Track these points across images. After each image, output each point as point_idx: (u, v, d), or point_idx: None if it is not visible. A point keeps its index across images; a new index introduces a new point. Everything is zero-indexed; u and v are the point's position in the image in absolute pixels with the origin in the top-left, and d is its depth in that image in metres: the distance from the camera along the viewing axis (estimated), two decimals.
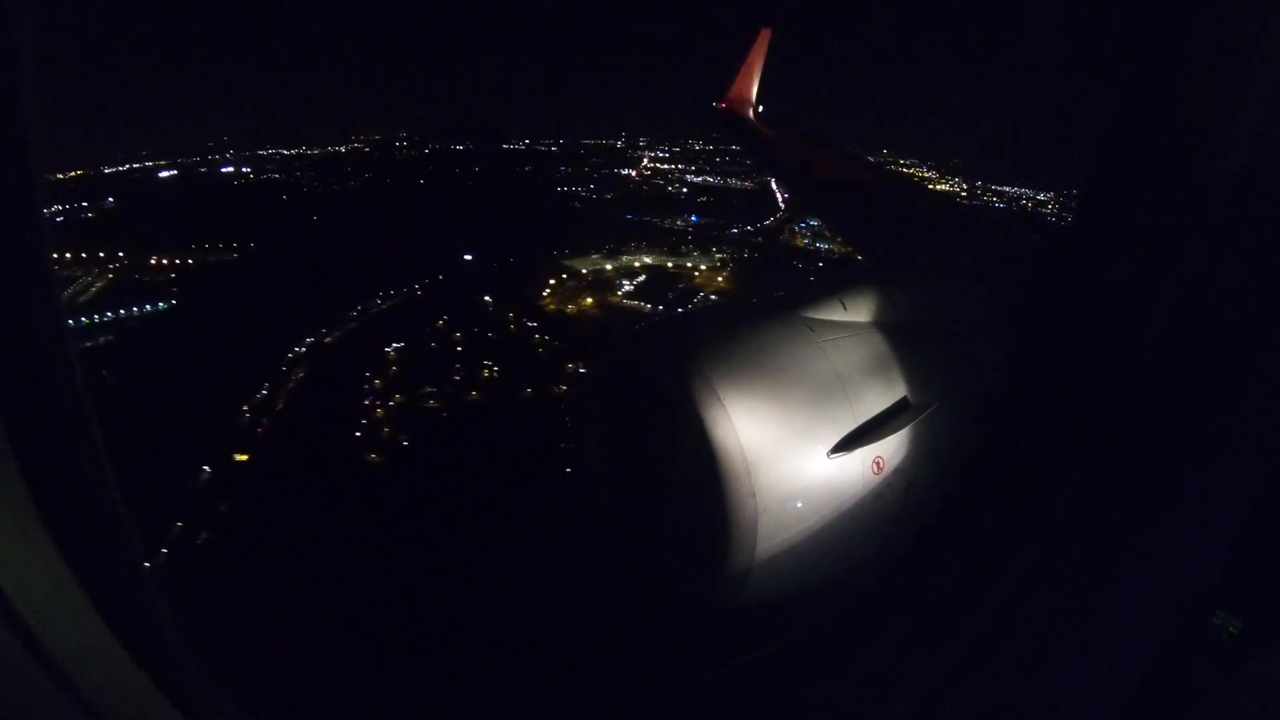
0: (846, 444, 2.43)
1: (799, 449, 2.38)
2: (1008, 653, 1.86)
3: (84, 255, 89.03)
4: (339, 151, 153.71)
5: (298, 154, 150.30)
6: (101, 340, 65.15)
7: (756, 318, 2.71)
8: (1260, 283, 1.61)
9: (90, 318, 69.82)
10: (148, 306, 73.62)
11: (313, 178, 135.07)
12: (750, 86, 11.35)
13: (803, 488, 2.38)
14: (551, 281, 76.35)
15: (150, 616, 1.67)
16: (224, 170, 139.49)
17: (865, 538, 2.54)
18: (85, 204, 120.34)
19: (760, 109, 11.23)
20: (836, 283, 2.98)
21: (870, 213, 6.63)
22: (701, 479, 2.30)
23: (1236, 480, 1.70)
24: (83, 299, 76.82)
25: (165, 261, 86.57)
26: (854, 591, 2.63)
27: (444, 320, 62.77)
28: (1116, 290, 1.81)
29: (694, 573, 2.52)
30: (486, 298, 68.84)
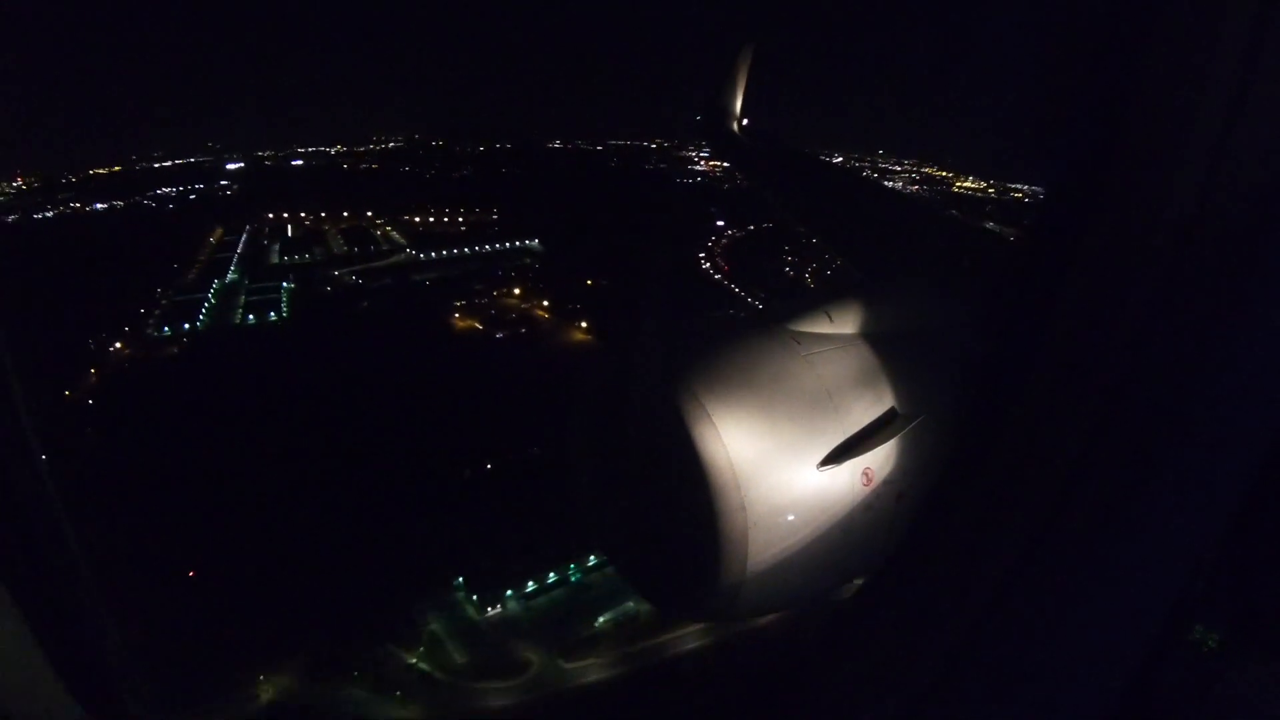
0: (835, 456, 2.46)
1: (788, 462, 2.40)
2: (981, 669, 1.87)
3: (323, 215, 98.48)
4: (391, 147, 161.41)
5: (345, 151, 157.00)
6: (526, 260, 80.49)
7: (742, 332, 2.75)
8: (1223, 297, 1.59)
9: (462, 249, 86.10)
10: (527, 242, 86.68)
11: (415, 169, 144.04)
12: (734, 100, 11.16)
13: (793, 501, 2.40)
14: None
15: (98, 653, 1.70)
16: (294, 163, 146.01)
17: (856, 549, 2.58)
18: (200, 186, 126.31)
19: (745, 122, 11.02)
20: (822, 295, 3.00)
21: (855, 225, 6.71)
22: (691, 494, 2.34)
23: (1214, 487, 1.68)
24: (405, 243, 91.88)
25: (431, 219, 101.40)
26: (841, 603, 2.67)
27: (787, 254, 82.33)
28: (1082, 300, 1.81)
29: (686, 587, 2.55)
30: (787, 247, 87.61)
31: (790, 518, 2.39)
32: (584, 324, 63.55)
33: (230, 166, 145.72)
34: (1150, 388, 1.67)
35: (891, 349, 2.79)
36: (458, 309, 68.26)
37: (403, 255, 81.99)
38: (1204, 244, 1.60)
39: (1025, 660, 1.81)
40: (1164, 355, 1.66)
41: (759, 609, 2.54)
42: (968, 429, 2.32)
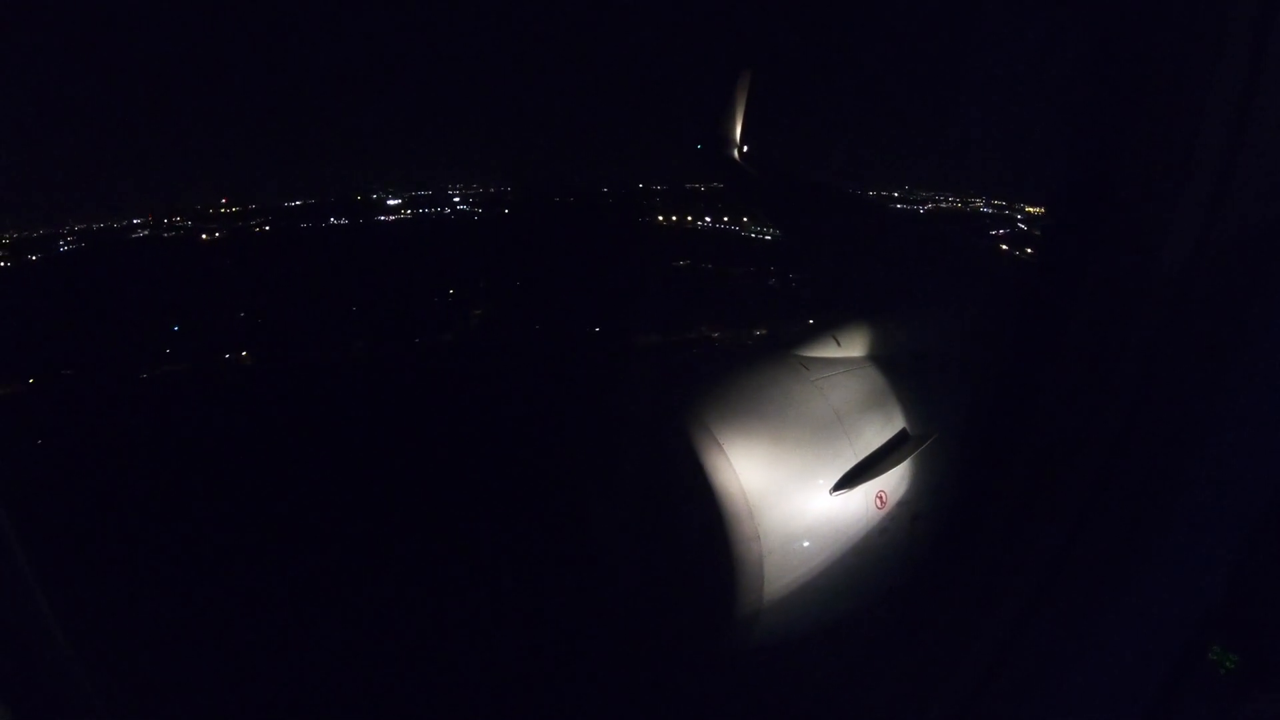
0: (848, 480, 2.44)
1: (800, 489, 2.40)
2: (1005, 692, 1.88)
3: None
4: (497, 192, 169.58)
5: (481, 192, 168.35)
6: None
7: (751, 360, 2.76)
8: (1239, 314, 1.57)
9: None
10: None
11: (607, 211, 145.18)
12: (734, 128, 11.29)
13: (807, 527, 2.39)
14: None
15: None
16: (455, 200, 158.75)
17: (872, 573, 2.54)
18: (442, 210, 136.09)
19: (745, 149, 11.15)
20: (829, 320, 2.99)
21: (860, 252, 6.65)
22: (705, 524, 2.35)
23: (1234, 505, 1.64)
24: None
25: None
26: (860, 632, 2.66)
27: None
28: (1096, 317, 1.80)
29: (703, 617, 2.54)
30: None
31: (805, 544, 2.40)
32: None
33: (390, 202, 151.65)
34: (1168, 403, 1.66)
35: (900, 371, 2.79)
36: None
37: None
38: (1219, 258, 1.57)
39: (1049, 683, 1.82)
40: (1182, 369, 1.64)
41: (777, 638, 2.53)
42: (984, 449, 2.28)
